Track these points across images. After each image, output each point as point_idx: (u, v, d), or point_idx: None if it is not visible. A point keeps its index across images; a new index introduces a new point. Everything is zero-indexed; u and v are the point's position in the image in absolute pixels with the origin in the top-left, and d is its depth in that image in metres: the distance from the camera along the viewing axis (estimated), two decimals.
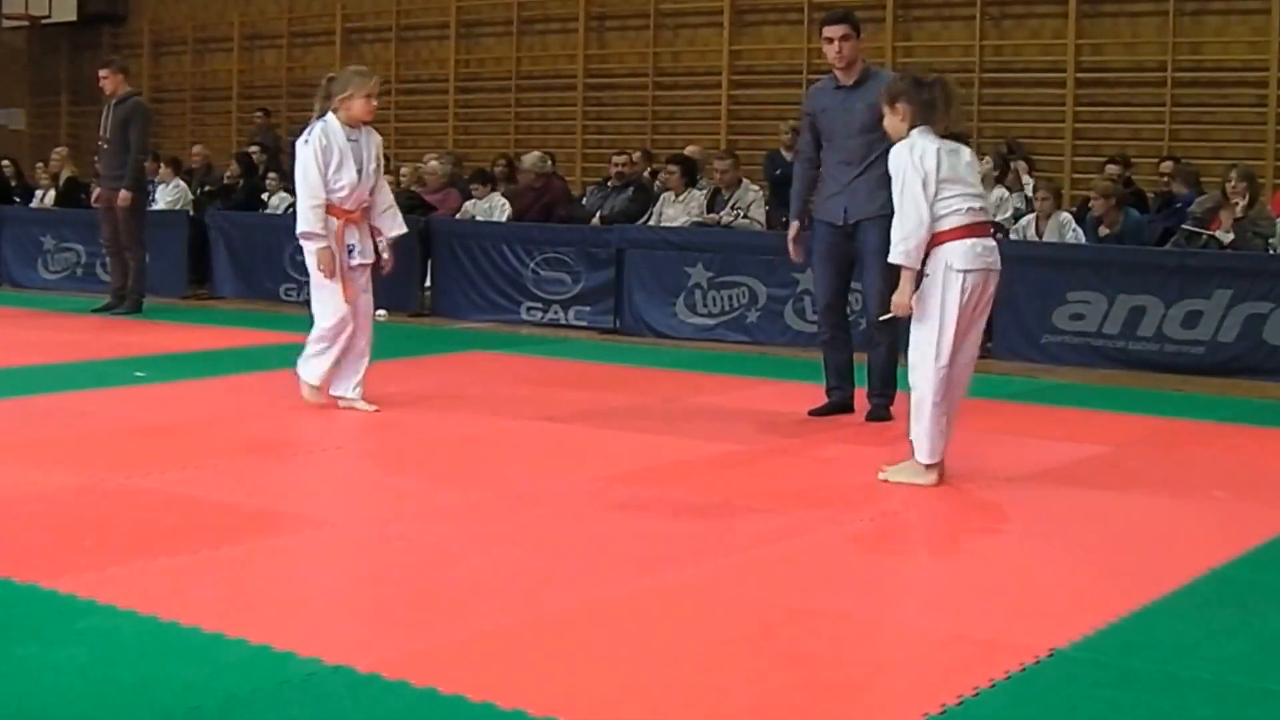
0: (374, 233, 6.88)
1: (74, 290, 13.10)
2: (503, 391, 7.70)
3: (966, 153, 5.40)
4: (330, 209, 6.68)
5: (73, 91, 20.20)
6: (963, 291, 5.18)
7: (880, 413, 6.83)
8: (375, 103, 6.72)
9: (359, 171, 6.68)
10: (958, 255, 5.19)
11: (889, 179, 6.25)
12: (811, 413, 6.92)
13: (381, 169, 6.99)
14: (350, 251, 6.76)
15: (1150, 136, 12.68)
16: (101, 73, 11.57)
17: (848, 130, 6.78)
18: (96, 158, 11.97)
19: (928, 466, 5.30)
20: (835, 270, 6.92)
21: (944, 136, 5.33)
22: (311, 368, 6.81)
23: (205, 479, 5.29)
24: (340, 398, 6.83)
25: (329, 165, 6.62)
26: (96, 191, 11.95)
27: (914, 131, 5.28)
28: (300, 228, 6.72)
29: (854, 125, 6.75)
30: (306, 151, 6.63)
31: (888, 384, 6.84)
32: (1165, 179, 11.21)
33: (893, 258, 5.26)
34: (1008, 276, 9.32)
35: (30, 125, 20.69)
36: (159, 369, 8.25)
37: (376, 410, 6.74)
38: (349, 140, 6.68)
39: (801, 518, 4.91)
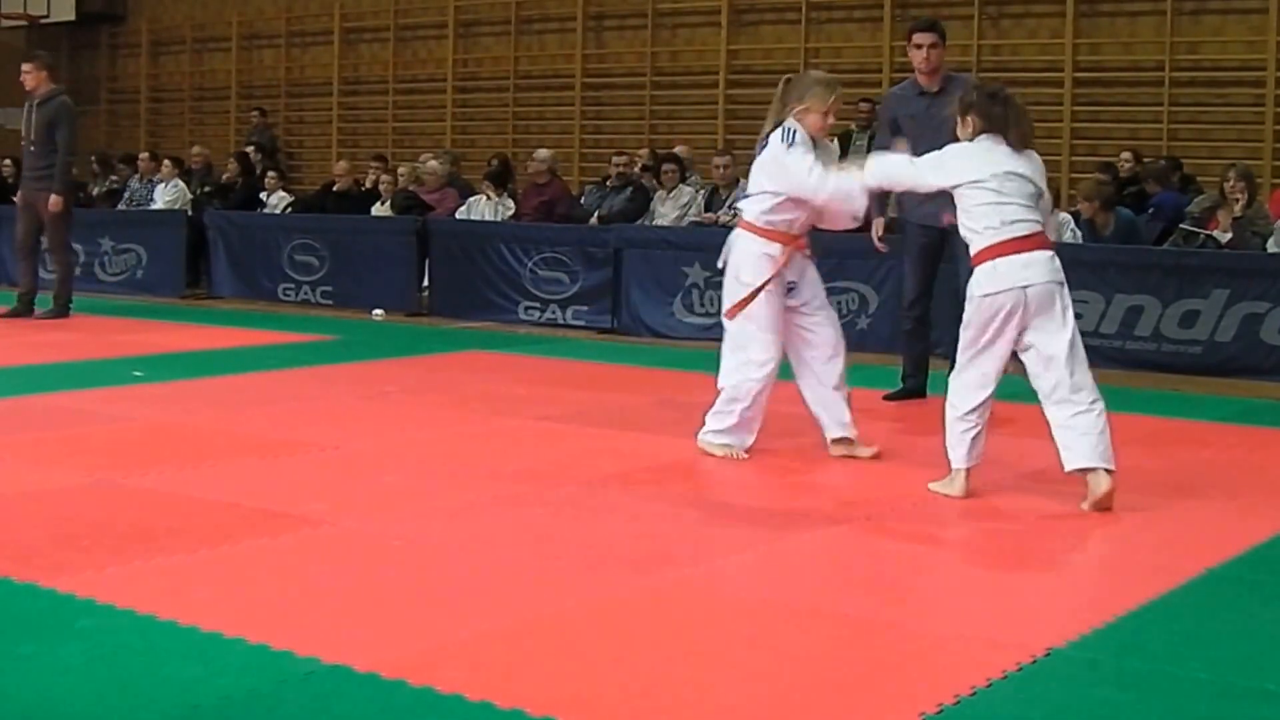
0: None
1: (72, 290, 13.06)
2: (501, 391, 7.70)
3: (1024, 170, 5.22)
4: (773, 234, 5.77)
5: (71, 92, 20.05)
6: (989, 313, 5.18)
7: None
8: (833, 119, 5.78)
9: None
10: (977, 280, 5.18)
11: None
12: (886, 397, 7.31)
13: None
14: (791, 290, 5.83)
15: (1148, 136, 12.69)
16: (25, 67, 10.95)
17: (937, 137, 6.87)
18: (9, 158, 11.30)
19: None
20: (926, 268, 7.54)
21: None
22: (712, 435, 5.90)
23: (204, 479, 5.30)
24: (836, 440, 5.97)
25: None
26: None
27: (981, 136, 5.27)
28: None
29: (944, 131, 6.81)
30: (796, 152, 5.65)
31: None
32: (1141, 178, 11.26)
33: (866, 179, 5.48)
34: None
35: None
36: (157, 369, 8.25)
37: (875, 455, 5.91)
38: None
39: (799, 517, 4.92)
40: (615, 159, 12.58)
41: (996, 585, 4.21)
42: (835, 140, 5.96)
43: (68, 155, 10.86)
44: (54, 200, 10.66)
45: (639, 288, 10.72)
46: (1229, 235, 9.35)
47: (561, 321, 11.06)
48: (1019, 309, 5.10)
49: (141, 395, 7.36)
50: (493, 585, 4.00)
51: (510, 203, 12.52)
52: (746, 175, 11.88)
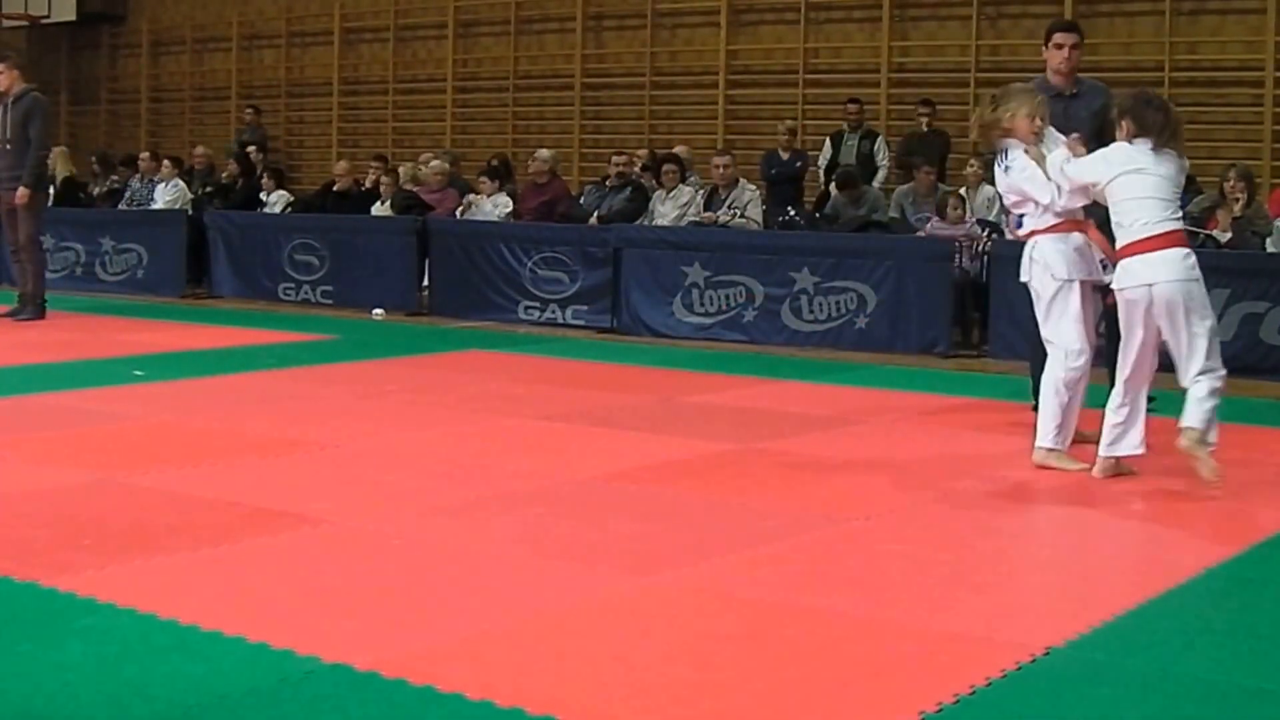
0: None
1: (73, 289, 13.10)
2: (500, 390, 7.71)
3: (1165, 168, 5.51)
4: (1064, 224, 5.93)
5: (72, 91, 20.20)
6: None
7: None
8: (1041, 123, 5.98)
9: None
10: (1116, 275, 5.54)
11: None
12: None
13: None
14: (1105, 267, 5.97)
15: None
16: None
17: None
18: None
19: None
20: None
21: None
22: (1053, 442, 5.84)
23: (204, 477, 5.31)
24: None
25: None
26: None
27: (1136, 140, 5.56)
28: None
29: (1082, 133, 6.72)
30: (1021, 172, 5.93)
31: None
32: None
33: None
34: (1003, 276, 9.47)
35: None
36: (158, 368, 8.25)
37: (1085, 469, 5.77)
38: None
39: (798, 516, 4.92)
40: (615, 159, 12.58)
41: (996, 585, 4.21)
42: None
43: (39, 149, 10.72)
44: (21, 193, 10.47)
45: (638, 287, 10.72)
46: (1229, 235, 9.36)
47: (561, 321, 11.06)
48: (1146, 305, 5.39)
49: (142, 395, 7.37)
50: (493, 585, 4.01)
51: (507, 199, 12.52)
52: (745, 176, 12.06)
